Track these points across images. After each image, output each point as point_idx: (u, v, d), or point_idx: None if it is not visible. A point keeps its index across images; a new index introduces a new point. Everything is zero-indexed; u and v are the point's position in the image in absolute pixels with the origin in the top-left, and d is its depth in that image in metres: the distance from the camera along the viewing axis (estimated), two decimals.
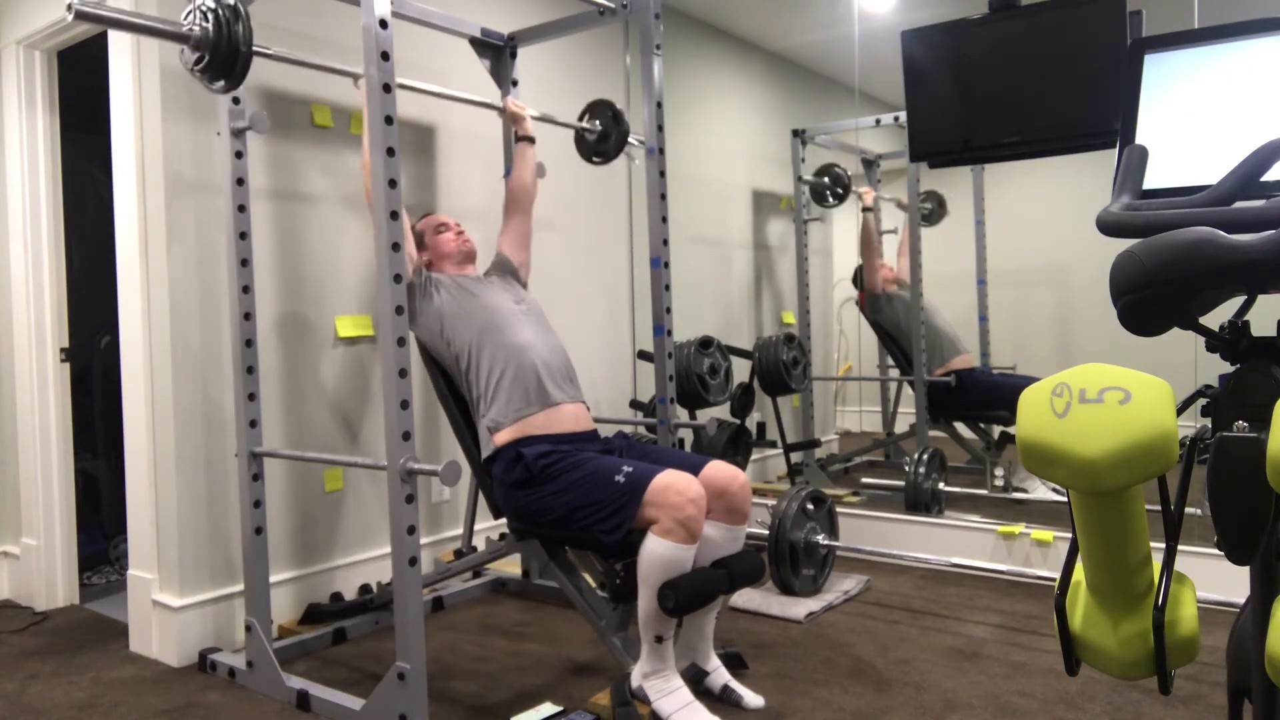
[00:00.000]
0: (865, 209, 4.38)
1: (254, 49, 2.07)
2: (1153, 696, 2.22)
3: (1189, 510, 1.34)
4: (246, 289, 2.44)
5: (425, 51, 3.30)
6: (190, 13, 2.04)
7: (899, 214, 4.42)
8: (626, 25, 4.14)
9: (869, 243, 4.35)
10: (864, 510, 3.65)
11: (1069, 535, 1.33)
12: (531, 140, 2.98)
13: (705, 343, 3.67)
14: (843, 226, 4.80)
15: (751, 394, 3.99)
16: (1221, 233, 1.01)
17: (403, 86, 2.55)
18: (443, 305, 2.55)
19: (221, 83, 2.08)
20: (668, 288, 2.79)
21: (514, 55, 3.28)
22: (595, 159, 3.24)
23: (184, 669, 2.59)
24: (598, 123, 3.18)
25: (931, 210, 4.33)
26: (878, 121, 4.26)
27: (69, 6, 1.84)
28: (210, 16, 2.02)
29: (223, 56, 2.02)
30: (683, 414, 3.58)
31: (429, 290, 2.57)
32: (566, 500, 2.25)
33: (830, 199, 4.52)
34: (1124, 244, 1.09)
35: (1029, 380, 1.15)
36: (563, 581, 2.40)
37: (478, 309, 2.55)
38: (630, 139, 3.17)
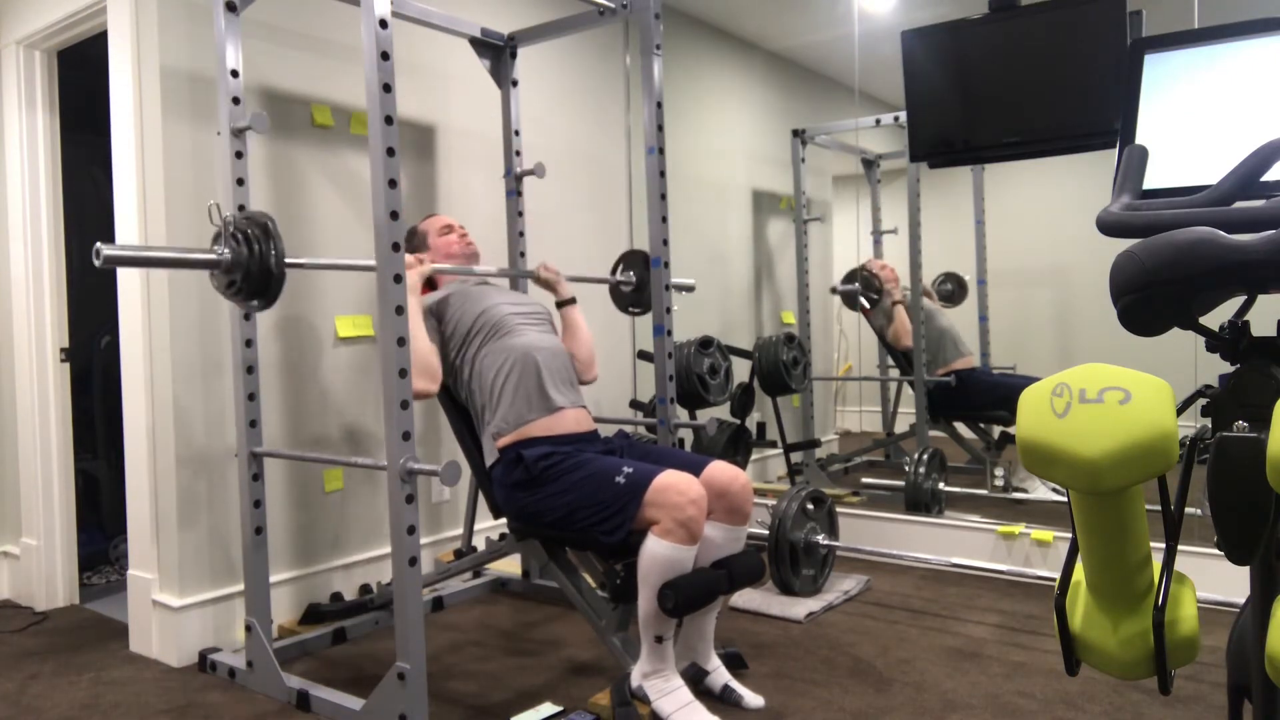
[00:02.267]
0: (895, 303, 4.32)
1: (285, 263, 2.06)
2: (1153, 696, 2.22)
3: (1189, 510, 1.34)
4: None
5: (425, 51, 3.30)
6: (220, 237, 2.03)
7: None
8: (626, 25, 4.14)
9: (904, 332, 4.26)
10: (864, 510, 3.65)
11: (1069, 535, 1.33)
12: (573, 301, 2.80)
13: (705, 343, 3.67)
14: (843, 227, 4.80)
15: (751, 394, 3.99)
16: (1221, 233, 1.01)
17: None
18: (445, 329, 2.54)
19: (256, 303, 2.08)
20: (668, 288, 2.79)
21: (514, 55, 3.28)
22: (632, 309, 3.10)
23: (184, 669, 2.59)
24: (632, 274, 3.05)
25: (952, 291, 4.31)
26: (878, 121, 4.26)
27: (96, 252, 1.84)
28: (241, 239, 2.01)
29: (255, 278, 2.02)
30: (683, 414, 3.58)
31: (431, 321, 2.55)
32: (567, 501, 2.25)
33: (864, 302, 4.42)
34: (1124, 244, 1.09)
35: (1029, 380, 1.15)
36: (563, 581, 2.40)
37: (476, 314, 2.54)
38: (670, 281, 2.85)
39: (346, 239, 3.03)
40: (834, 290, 4.53)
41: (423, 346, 2.39)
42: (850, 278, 4.42)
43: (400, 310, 2.04)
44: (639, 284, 3.04)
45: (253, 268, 2.02)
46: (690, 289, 3.18)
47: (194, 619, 2.64)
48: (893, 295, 4.31)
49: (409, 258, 2.48)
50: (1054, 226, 3.94)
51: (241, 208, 2.42)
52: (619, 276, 3.08)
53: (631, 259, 3.09)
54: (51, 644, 2.82)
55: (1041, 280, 4.08)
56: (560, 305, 2.82)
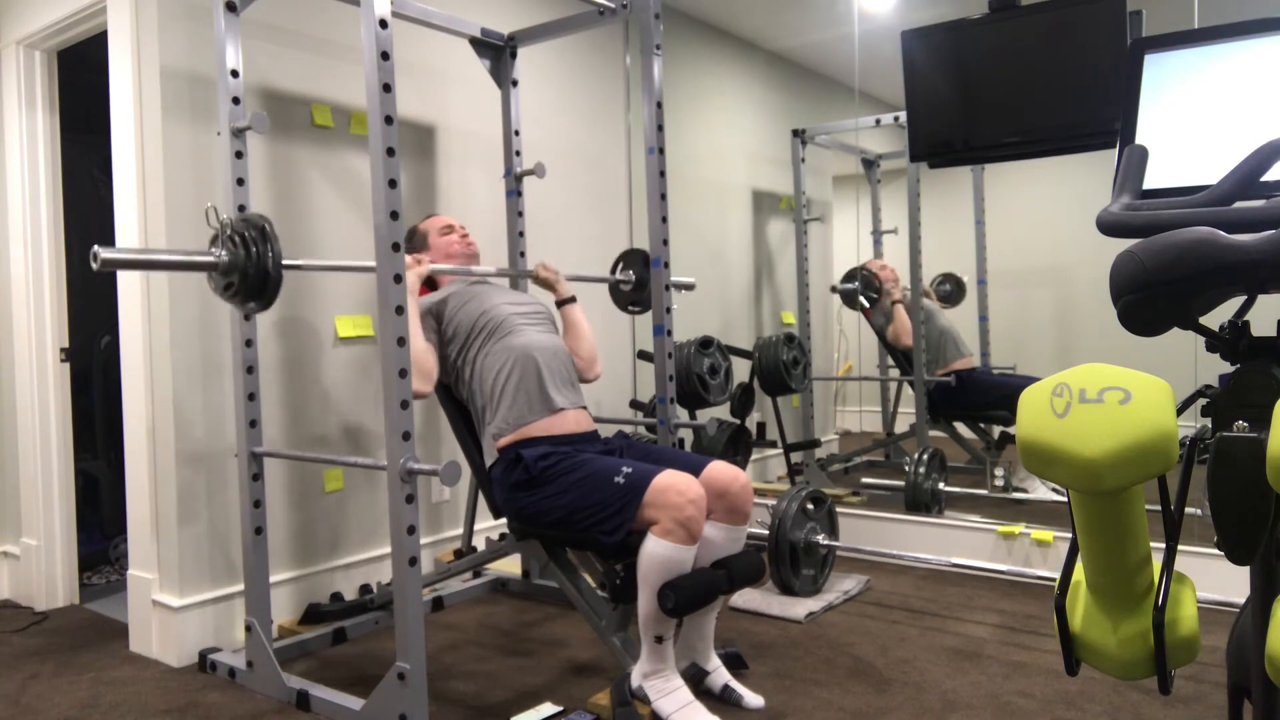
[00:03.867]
0: (895, 302, 4.33)
1: (282, 265, 2.08)
2: (1153, 696, 2.22)
3: (1189, 510, 1.34)
4: None
5: (425, 51, 3.30)
6: (218, 238, 2.04)
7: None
8: (626, 25, 4.14)
9: (904, 331, 4.27)
10: (864, 510, 3.65)
11: (1069, 535, 1.33)
12: (573, 300, 2.81)
13: (705, 343, 3.67)
14: (843, 227, 4.80)
15: (751, 394, 3.99)
16: (1221, 233, 1.01)
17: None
18: (446, 330, 2.54)
19: (253, 304, 2.09)
20: (668, 288, 2.79)
21: (514, 55, 3.28)
22: (631, 308, 3.10)
23: (184, 669, 2.59)
24: (631, 273, 3.05)
25: (950, 291, 4.33)
26: (878, 121, 4.26)
27: (94, 255, 1.85)
28: (239, 241, 2.02)
29: (253, 281, 2.03)
30: (683, 414, 3.58)
31: (430, 321, 2.55)
32: (567, 501, 2.25)
33: (863, 302, 4.44)
34: (1124, 244, 1.09)
35: (1029, 380, 1.15)
36: (563, 581, 2.40)
37: (477, 315, 2.54)
38: (669, 280, 2.84)
39: (346, 239, 3.03)
40: (834, 289, 4.54)
41: (419, 346, 2.40)
42: (850, 277, 4.43)
43: (400, 310, 2.04)
44: (638, 283, 3.04)
45: (250, 270, 2.02)
46: (690, 287, 3.19)
47: (194, 619, 2.64)
48: (892, 295, 4.31)
49: (408, 258, 2.48)
50: (1054, 226, 3.94)
51: (242, 208, 2.42)
52: (619, 275, 3.08)
53: (631, 258, 3.09)
54: (51, 644, 2.82)
55: (1041, 280, 4.08)
56: (560, 304, 2.82)
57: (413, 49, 3.25)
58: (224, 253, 2.02)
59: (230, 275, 2.03)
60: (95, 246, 1.87)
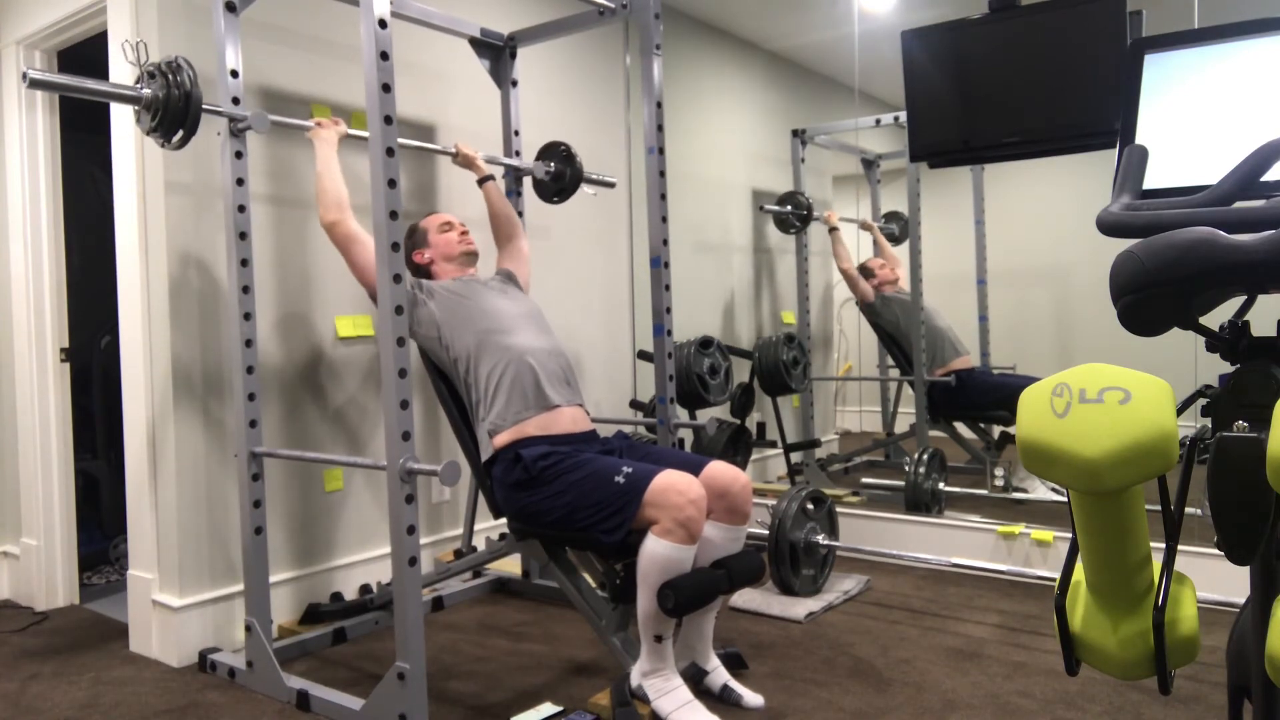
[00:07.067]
0: (831, 229, 4.41)
1: (204, 107, 2.23)
2: (1153, 696, 2.22)
3: (1189, 510, 1.34)
4: (246, 289, 2.44)
5: (425, 51, 3.30)
6: (140, 79, 2.19)
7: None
8: (626, 25, 4.14)
9: (843, 260, 4.38)
10: (864, 510, 3.65)
11: (1069, 535, 1.33)
12: (491, 178, 3.02)
13: (705, 343, 3.67)
14: (843, 227, 4.80)
15: (751, 394, 3.99)
16: (1221, 233, 1.01)
17: (357, 133, 2.65)
18: (438, 311, 2.54)
19: (180, 134, 2.22)
20: (668, 288, 2.79)
21: (514, 55, 3.28)
22: (555, 199, 3.31)
23: (184, 669, 2.59)
24: (552, 164, 3.24)
25: (895, 230, 4.42)
26: (878, 121, 4.26)
27: (24, 76, 1.97)
28: (157, 77, 2.17)
29: (175, 110, 2.18)
30: (683, 414, 3.58)
31: (421, 298, 2.56)
32: (567, 501, 2.25)
33: (796, 223, 4.53)
34: (1124, 244, 1.09)
35: (1029, 380, 1.15)
36: (563, 581, 2.40)
37: (475, 313, 2.54)
38: (586, 174, 3.25)
39: None
40: (763, 209, 4.63)
41: (336, 182, 2.53)
42: (783, 201, 4.57)
43: (400, 310, 2.04)
44: (557, 173, 3.26)
45: (171, 100, 2.17)
46: (611, 185, 3.43)
47: (194, 619, 2.64)
48: (829, 223, 4.43)
49: (326, 121, 2.62)
50: (1054, 226, 3.94)
51: (242, 208, 2.42)
52: (539, 164, 3.27)
53: (549, 150, 3.27)
54: (51, 644, 2.82)
55: (1041, 280, 4.08)
56: (481, 182, 3.01)
57: (413, 49, 3.24)
58: (147, 89, 2.18)
59: (154, 108, 2.18)
60: (25, 69, 2.02)
